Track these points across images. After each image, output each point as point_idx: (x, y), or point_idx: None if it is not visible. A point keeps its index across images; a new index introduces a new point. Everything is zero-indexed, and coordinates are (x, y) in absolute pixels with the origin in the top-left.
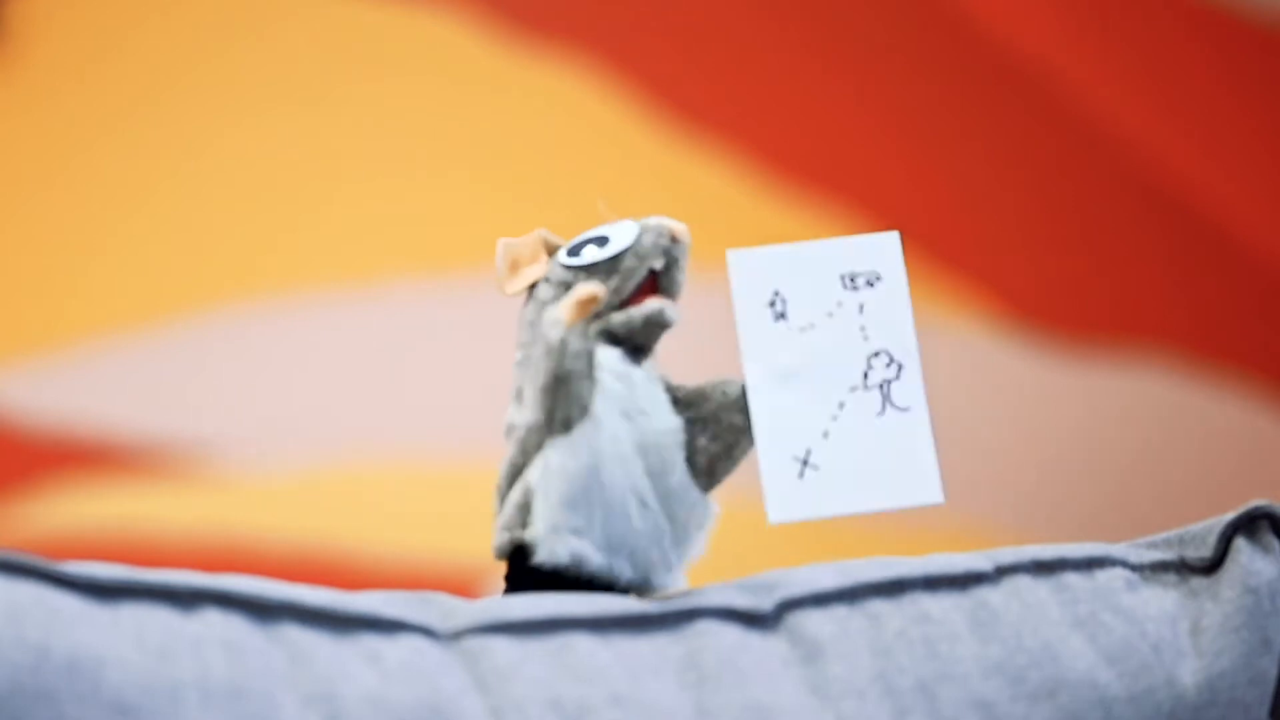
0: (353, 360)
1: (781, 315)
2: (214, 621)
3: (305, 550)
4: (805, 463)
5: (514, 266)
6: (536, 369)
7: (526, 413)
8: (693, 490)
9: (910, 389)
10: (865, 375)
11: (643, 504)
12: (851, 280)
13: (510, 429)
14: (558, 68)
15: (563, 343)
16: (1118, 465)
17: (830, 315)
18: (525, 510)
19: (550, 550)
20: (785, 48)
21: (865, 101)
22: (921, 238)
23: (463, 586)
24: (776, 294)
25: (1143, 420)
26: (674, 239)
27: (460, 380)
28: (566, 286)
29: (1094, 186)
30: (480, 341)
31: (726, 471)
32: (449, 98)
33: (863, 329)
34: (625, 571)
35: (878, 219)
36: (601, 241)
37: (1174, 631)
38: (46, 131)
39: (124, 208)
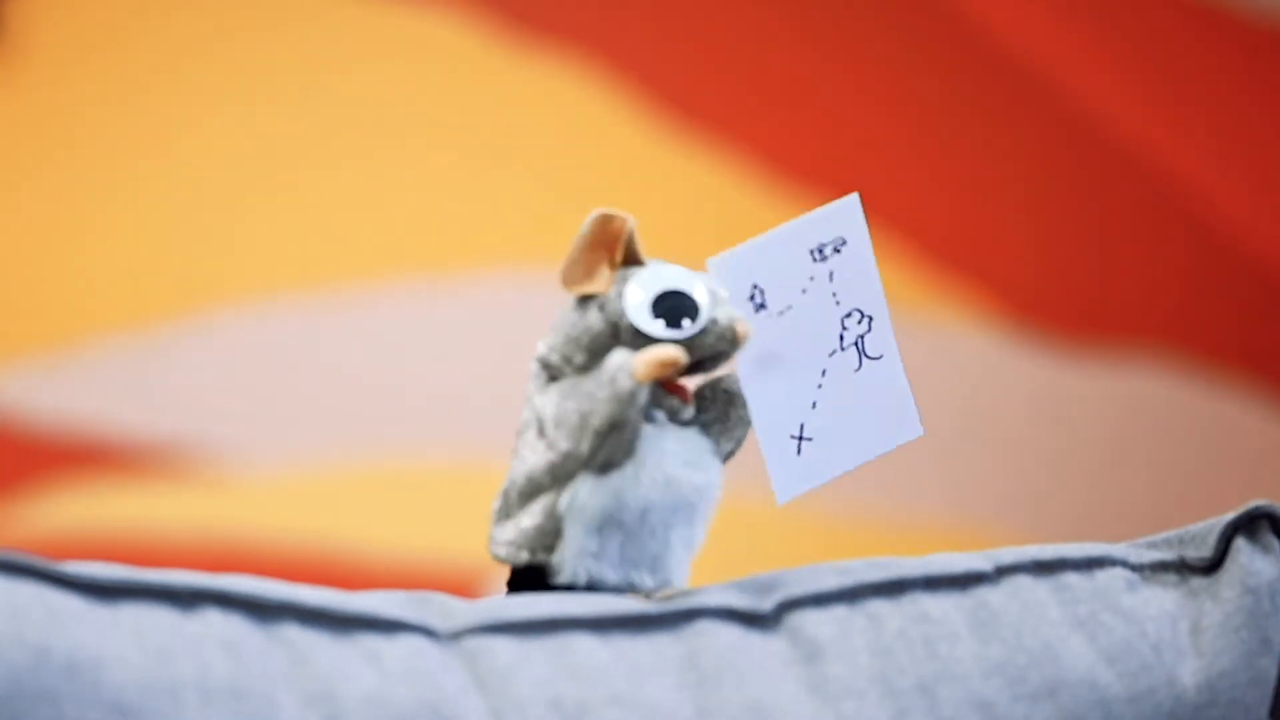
0: (352, 360)
1: (761, 305)
2: (214, 621)
3: (305, 550)
4: (800, 438)
5: (592, 251)
6: (591, 406)
7: (563, 440)
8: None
9: (881, 337)
10: (841, 338)
11: (667, 527)
12: (820, 252)
13: (524, 426)
14: (558, 68)
15: (632, 395)
16: (1118, 465)
17: (804, 291)
18: (548, 535)
19: (572, 573)
20: (785, 47)
21: (865, 101)
22: (921, 238)
23: (463, 586)
24: (755, 287)
25: (1143, 420)
26: (735, 342)
27: (460, 380)
28: (615, 329)
29: (1094, 186)
30: (480, 341)
31: (730, 458)
32: (449, 98)
33: (834, 295)
34: (646, 582)
35: (878, 219)
36: (675, 310)
37: (1174, 631)
38: (46, 131)
39: (124, 207)
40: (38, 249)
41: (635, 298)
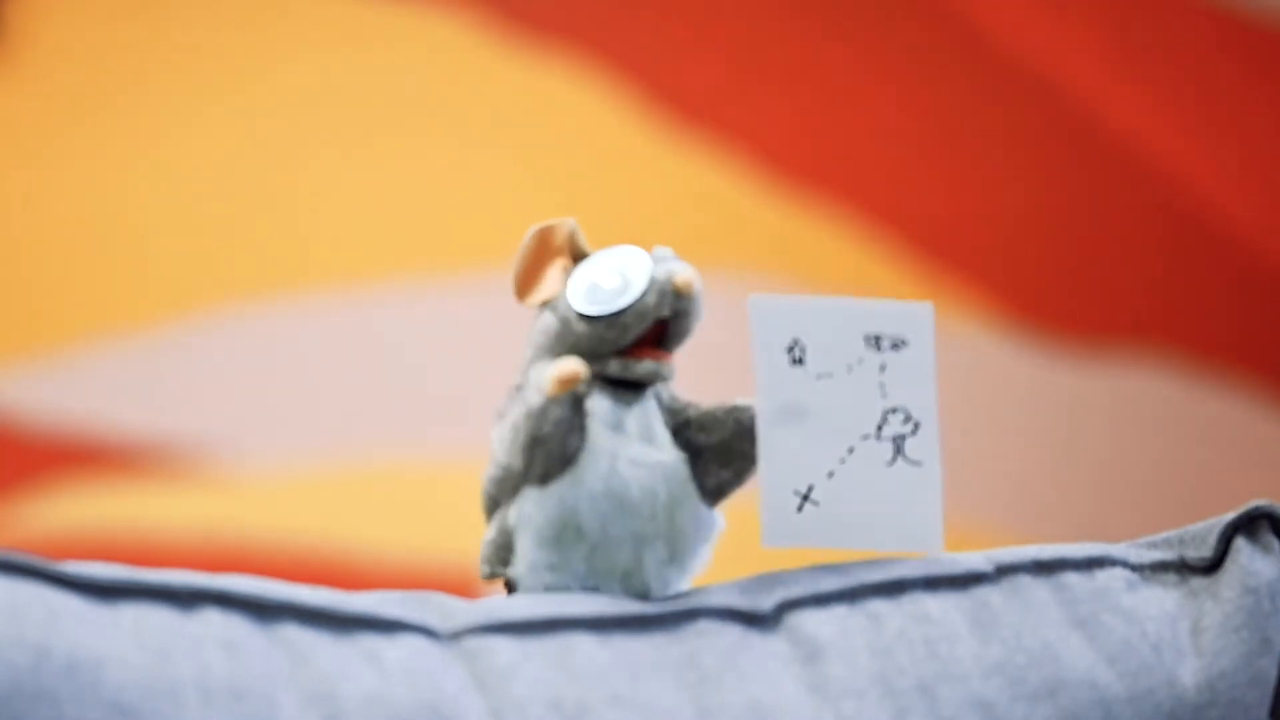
0: (353, 360)
1: (799, 361)
2: (214, 621)
3: (305, 550)
4: (806, 498)
5: (536, 262)
6: (516, 421)
7: (502, 455)
8: (700, 510)
9: (926, 446)
10: (879, 428)
11: (638, 538)
12: (876, 341)
13: (499, 418)
14: (558, 67)
15: (542, 410)
16: (1118, 465)
17: (849, 369)
18: (503, 549)
19: (529, 588)
20: (786, 48)
21: (865, 101)
22: (922, 238)
23: (463, 586)
24: (796, 341)
25: (1143, 420)
26: (679, 294)
27: (460, 380)
28: (566, 323)
29: (1094, 186)
30: (480, 341)
31: (733, 491)
32: (449, 97)
33: (881, 386)
34: (615, 594)
35: (878, 219)
36: (617, 285)
37: (1174, 631)
38: (46, 130)
39: (124, 207)
40: (38, 249)
41: (575, 287)
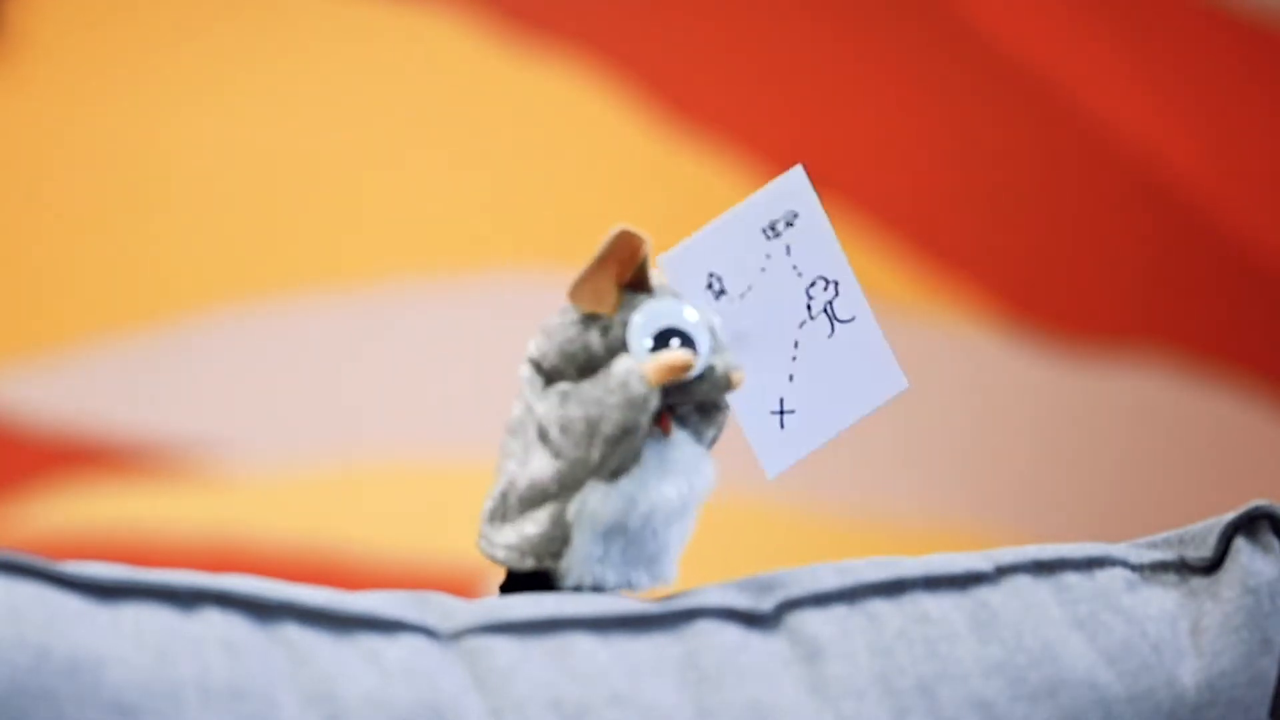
0: (353, 360)
1: (722, 291)
2: (214, 621)
3: (305, 550)
4: (781, 412)
5: (605, 267)
6: (601, 412)
7: (571, 448)
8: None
9: (850, 300)
10: (809, 307)
11: (667, 526)
12: (772, 229)
13: (518, 426)
14: (558, 68)
15: (644, 399)
16: (1118, 465)
17: (763, 270)
18: (555, 542)
19: (578, 578)
20: (785, 48)
21: (865, 101)
22: (922, 238)
23: (463, 586)
24: (711, 275)
25: (1143, 420)
26: (728, 388)
27: (460, 380)
28: (610, 356)
29: (1094, 186)
30: (481, 341)
31: (717, 440)
32: (449, 98)
33: (795, 267)
34: (642, 581)
35: (878, 219)
36: (686, 340)
37: (1174, 631)
38: (46, 131)
39: (124, 207)
40: (38, 249)
41: (638, 333)
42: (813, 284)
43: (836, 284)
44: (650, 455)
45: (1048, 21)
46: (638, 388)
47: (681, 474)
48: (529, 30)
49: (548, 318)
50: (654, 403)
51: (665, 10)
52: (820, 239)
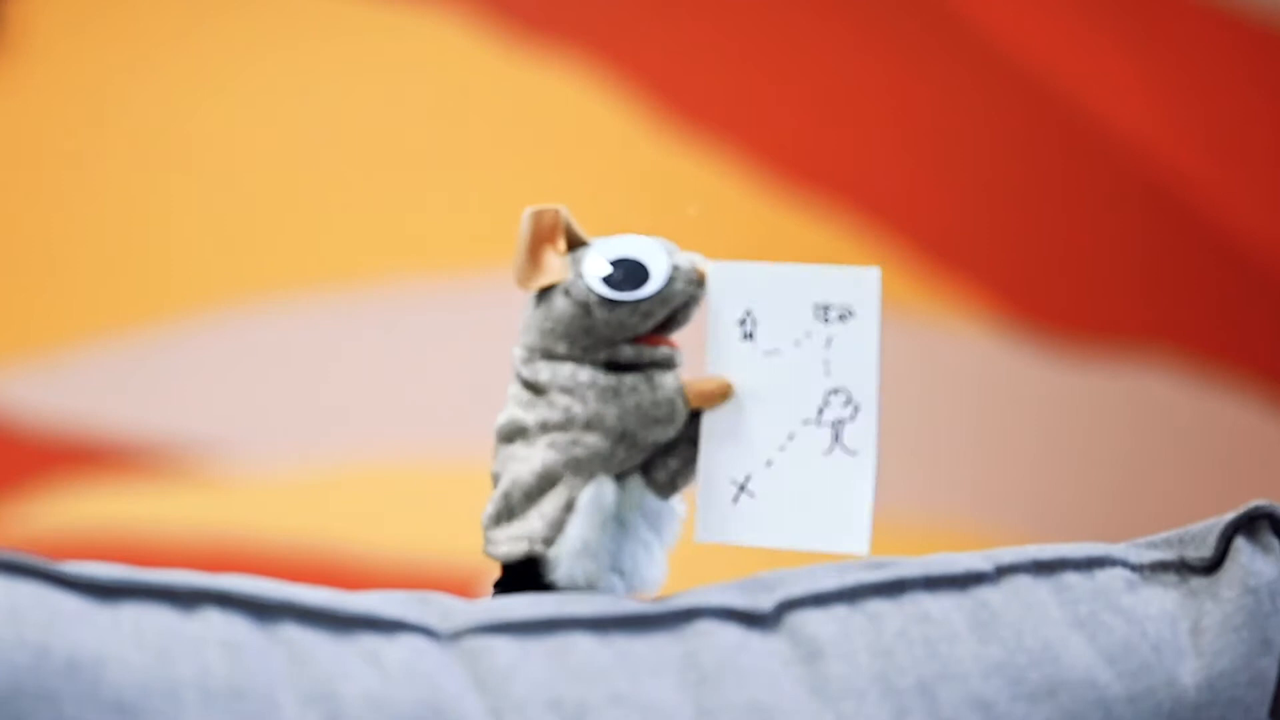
0: (353, 360)
1: (749, 335)
2: (214, 621)
3: (305, 550)
4: (742, 488)
5: (536, 246)
6: (639, 421)
7: (597, 441)
8: (660, 506)
9: (863, 433)
10: (820, 411)
11: (648, 532)
12: (825, 311)
13: (514, 432)
14: (558, 68)
15: (685, 419)
16: (1118, 465)
17: (797, 344)
18: (554, 527)
19: (569, 569)
20: (785, 48)
21: (865, 101)
22: (921, 238)
23: (463, 586)
24: (748, 313)
25: (1143, 420)
26: (700, 282)
27: (460, 380)
28: (586, 308)
29: (1094, 186)
30: (481, 341)
31: (687, 482)
32: (449, 98)
33: (826, 363)
34: (617, 589)
35: (878, 219)
36: (636, 271)
37: (1174, 631)
38: (46, 131)
39: (124, 207)
40: (37, 249)
41: (595, 272)
42: (835, 391)
43: (858, 409)
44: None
45: (1048, 22)
46: (682, 409)
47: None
48: (529, 30)
49: (519, 324)
50: (684, 419)
51: (665, 10)
52: (864, 353)
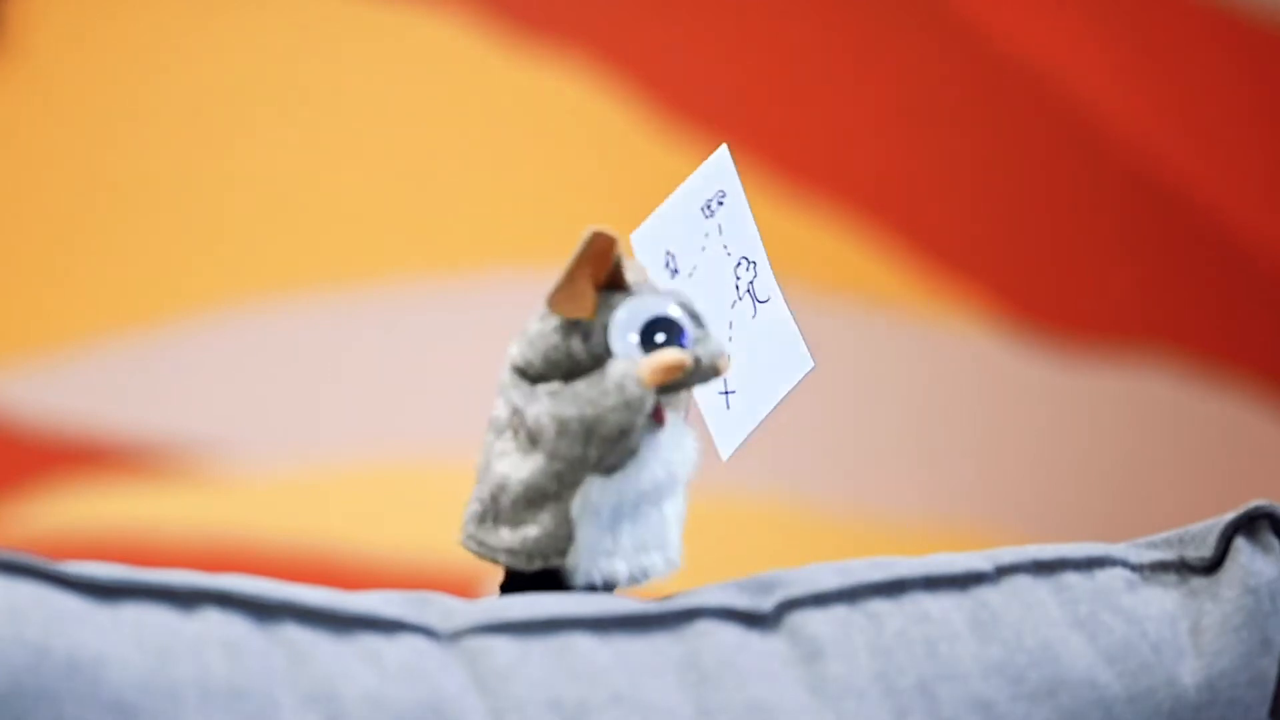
0: (353, 360)
1: (675, 271)
2: (214, 621)
3: (305, 550)
4: (726, 392)
5: (579, 270)
6: (597, 414)
7: (567, 448)
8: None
9: (766, 281)
10: (736, 287)
11: (662, 500)
12: (708, 208)
13: (506, 427)
14: (558, 68)
15: (641, 400)
16: (1118, 465)
17: (703, 249)
18: (560, 540)
19: (587, 574)
20: (785, 47)
21: (865, 100)
22: (922, 238)
23: (463, 586)
24: (668, 254)
25: (1143, 420)
26: (715, 375)
27: (460, 380)
28: (597, 360)
29: (1094, 186)
30: (481, 341)
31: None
32: (449, 98)
33: (725, 247)
34: (656, 564)
35: (878, 218)
36: (672, 330)
37: (1174, 631)
38: (46, 131)
39: (124, 207)
40: (38, 249)
41: (622, 331)
42: (739, 264)
43: (755, 264)
44: (646, 443)
45: (1048, 22)
46: (634, 390)
47: (669, 450)
48: (529, 30)
49: (527, 322)
50: (650, 403)
51: (665, 10)
52: (742, 219)
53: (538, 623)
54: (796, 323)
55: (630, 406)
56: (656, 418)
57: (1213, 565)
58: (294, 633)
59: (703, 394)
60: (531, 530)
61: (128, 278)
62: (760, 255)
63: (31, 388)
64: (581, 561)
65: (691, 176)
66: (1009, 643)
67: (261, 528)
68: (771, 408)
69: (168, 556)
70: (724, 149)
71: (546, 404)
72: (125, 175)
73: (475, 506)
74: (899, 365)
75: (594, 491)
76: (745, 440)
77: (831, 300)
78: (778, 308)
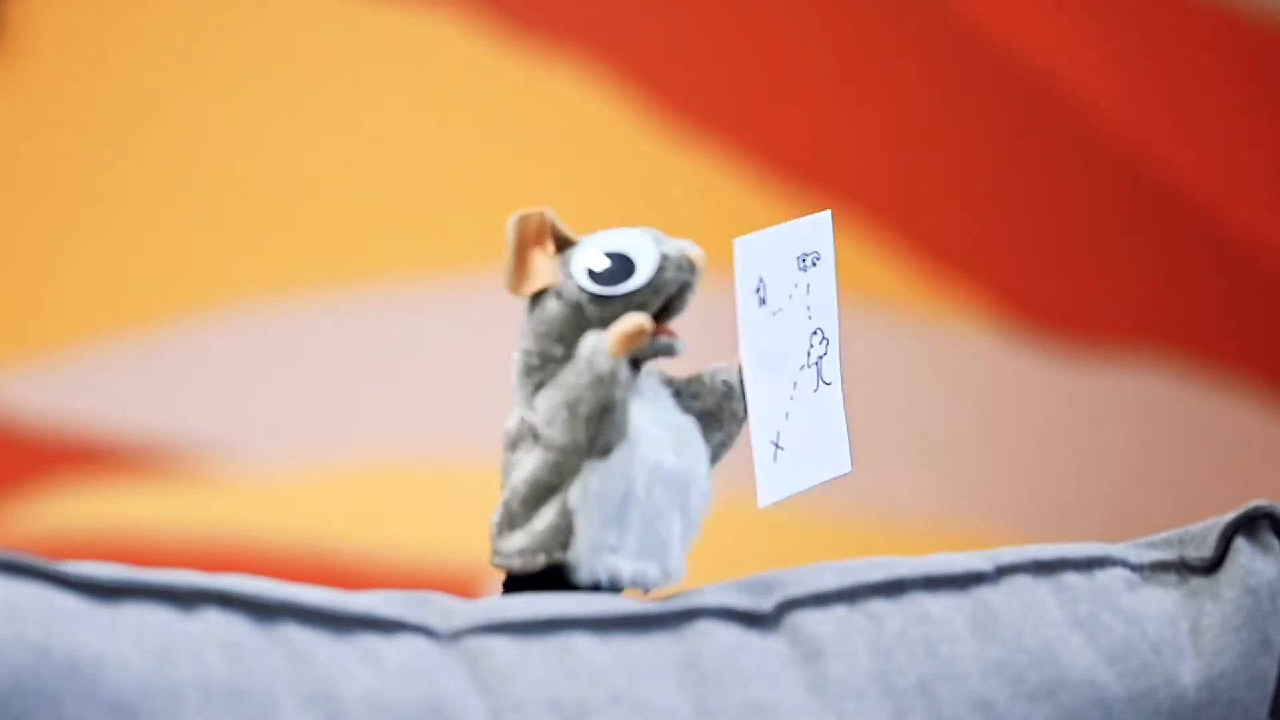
0: (353, 360)
1: (763, 301)
2: (214, 621)
3: (305, 550)
4: (777, 445)
5: (523, 250)
6: (575, 395)
7: (559, 436)
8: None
9: (833, 363)
10: (809, 354)
11: (679, 510)
12: (802, 261)
13: (518, 437)
14: (558, 67)
15: (612, 373)
16: (1118, 465)
17: (790, 297)
18: (563, 533)
19: (590, 569)
20: (785, 47)
21: (865, 100)
22: (922, 238)
23: (463, 586)
24: (761, 280)
25: (1143, 420)
26: (693, 267)
27: (460, 380)
28: (578, 308)
29: (1094, 186)
30: (480, 341)
31: (724, 454)
32: (449, 98)
33: (808, 309)
34: (653, 573)
35: (878, 218)
36: (623, 264)
37: (1174, 631)
38: (46, 131)
39: (124, 207)
40: (38, 249)
41: (583, 271)
42: (814, 333)
43: (828, 342)
44: (641, 423)
45: (1048, 22)
46: (602, 364)
47: (672, 439)
48: (529, 30)
49: (516, 329)
50: (624, 374)
51: (665, 10)
52: (828, 291)
53: (538, 623)
54: (847, 422)
55: (602, 381)
56: (663, 331)
57: (1213, 565)
58: (294, 633)
59: (758, 435)
60: (537, 525)
61: (128, 278)
62: (835, 336)
63: (31, 388)
64: (583, 555)
65: (795, 221)
66: (1009, 643)
67: (261, 528)
68: (805, 488)
69: (168, 556)
70: (827, 215)
71: (539, 398)
72: (125, 175)
73: (495, 519)
74: (899, 365)
75: (593, 478)
76: (782, 500)
77: None
78: (835, 397)
